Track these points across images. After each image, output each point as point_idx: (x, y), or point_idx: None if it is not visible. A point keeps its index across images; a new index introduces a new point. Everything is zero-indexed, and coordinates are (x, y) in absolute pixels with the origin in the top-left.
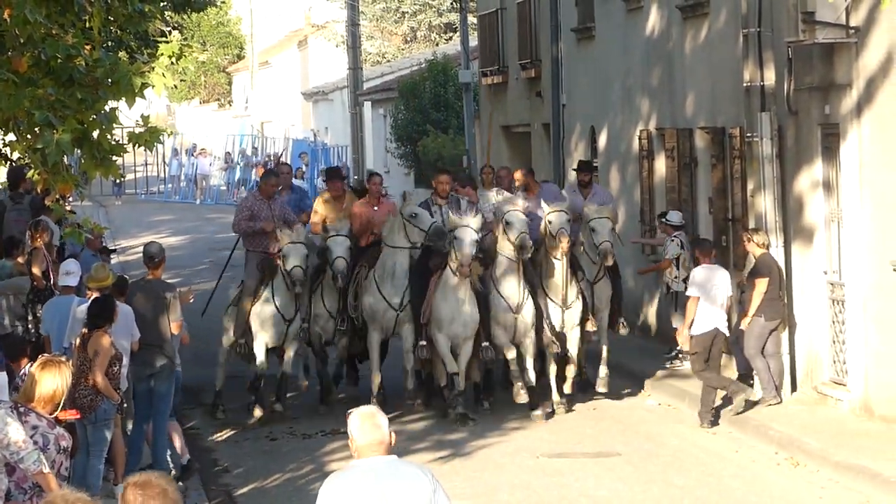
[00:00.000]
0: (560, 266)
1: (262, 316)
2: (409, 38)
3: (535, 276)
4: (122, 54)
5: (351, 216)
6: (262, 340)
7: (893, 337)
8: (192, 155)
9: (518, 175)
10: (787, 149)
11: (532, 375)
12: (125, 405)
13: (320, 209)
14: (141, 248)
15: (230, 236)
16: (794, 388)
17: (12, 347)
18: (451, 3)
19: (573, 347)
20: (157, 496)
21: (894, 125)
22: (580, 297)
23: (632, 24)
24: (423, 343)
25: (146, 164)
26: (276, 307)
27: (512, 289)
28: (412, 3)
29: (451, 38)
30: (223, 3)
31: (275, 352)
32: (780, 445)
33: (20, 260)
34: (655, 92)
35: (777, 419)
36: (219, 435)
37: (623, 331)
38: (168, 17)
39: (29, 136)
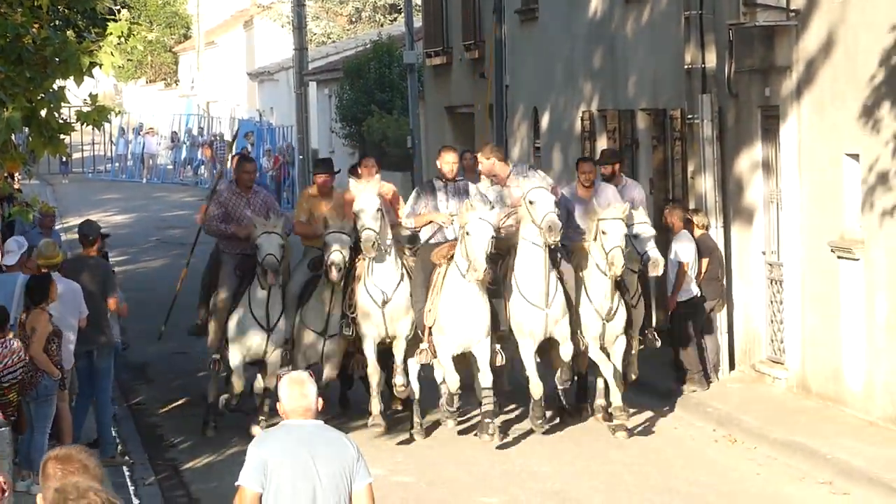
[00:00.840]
0: (607, 282)
1: (239, 327)
2: (354, 19)
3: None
4: (70, 33)
5: (344, 202)
6: (237, 356)
7: (830, 316)
8: (139, 134)
9: (587, 169)
10: (728, 130)
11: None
12: (66, 380)
13: (306, 206)
14: None
15: (176, 215)
16: (731, 366)
17: None
18: None
19: (617, 360)
20: (77, 471)
21: (833, 107)
22: (622, 305)
23: (575, 5)
24: (425, 347)
25: (93, 143)
26: (254, 316)
27: (538, 281)
28: None
29: (395, 19)
30: None
31: (256, 365)
32: (719, 423)
33: None
34: (598, 73)
35: (715, 397)
36: (164, 410)
37: (656, 343)
38: None
39: None
